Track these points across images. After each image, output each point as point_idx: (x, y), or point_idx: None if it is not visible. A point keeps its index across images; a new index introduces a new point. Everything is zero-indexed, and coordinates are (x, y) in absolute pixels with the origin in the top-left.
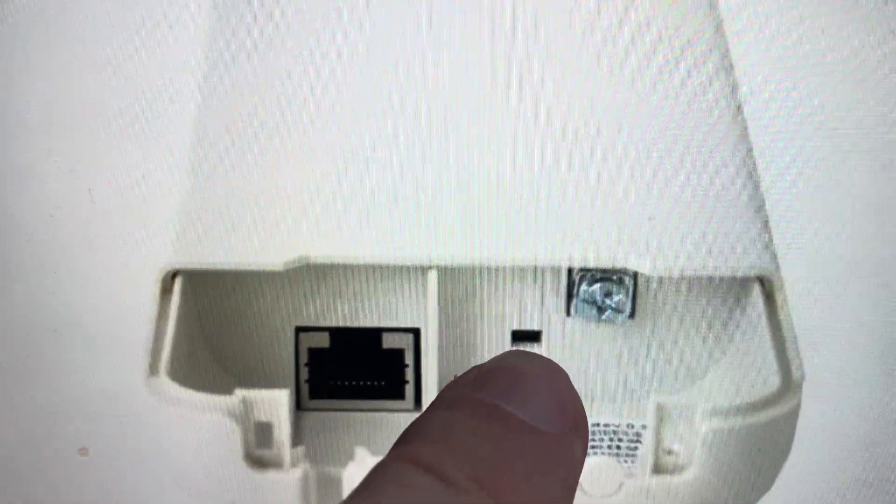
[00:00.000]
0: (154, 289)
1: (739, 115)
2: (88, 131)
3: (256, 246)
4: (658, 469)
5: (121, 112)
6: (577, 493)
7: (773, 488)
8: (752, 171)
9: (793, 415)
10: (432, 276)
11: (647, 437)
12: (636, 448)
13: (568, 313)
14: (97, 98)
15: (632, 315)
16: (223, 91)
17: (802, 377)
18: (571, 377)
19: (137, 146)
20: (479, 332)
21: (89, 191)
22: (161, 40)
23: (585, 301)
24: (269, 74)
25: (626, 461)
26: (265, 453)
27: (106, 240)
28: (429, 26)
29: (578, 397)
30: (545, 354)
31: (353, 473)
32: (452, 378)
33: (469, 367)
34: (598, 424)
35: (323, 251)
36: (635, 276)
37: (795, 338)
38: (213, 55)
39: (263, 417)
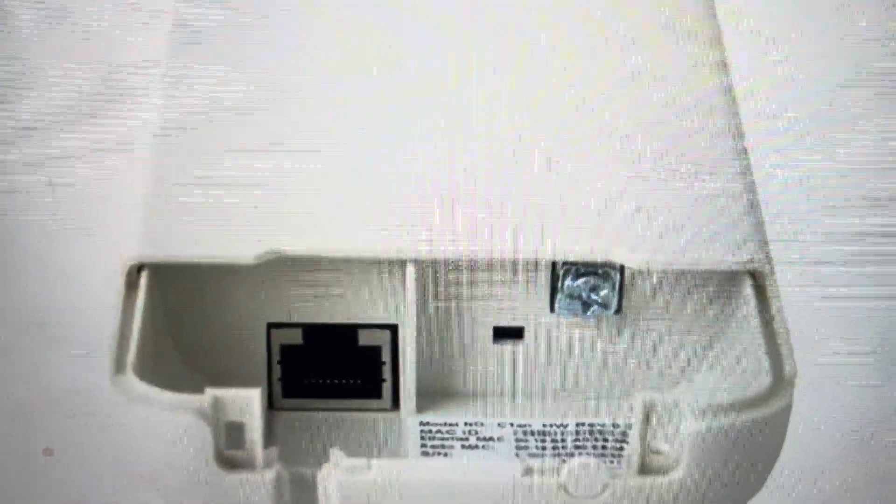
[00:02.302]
0: (119, 283)
1: (731, 102)
2: (48, 119)
3: (226, 238)
4: (644, 469)
5: (83, 98)
6: (560, 495)
7: (764, 489)
8: (743, 161)
9: (784, 413)
10: (410, 271)
11: (634, 437)
12: (622, 448)
13: (552, 309)
14: (58, 84)
15: (618, 310)
16: (191, 76)
17: (794, 374)
18: (555, 374)
19: (100, 134)
20: (459, 328)
21: (50, 181)
22: (127, 25)
23: (570, 296)
24: (239, 60)
25: (611, 461)
26: (237, 454)
27: (68, 232)
28: (406, 11)
29: None
30: (528, 351)
31: (328, 475)
32: (432, 376)
33: (449, 365)
34: (583, 424)
35: (296, 244)
36: (622, 269)
37: (787, 333)
38: (179, 39)
39: (235, 417)
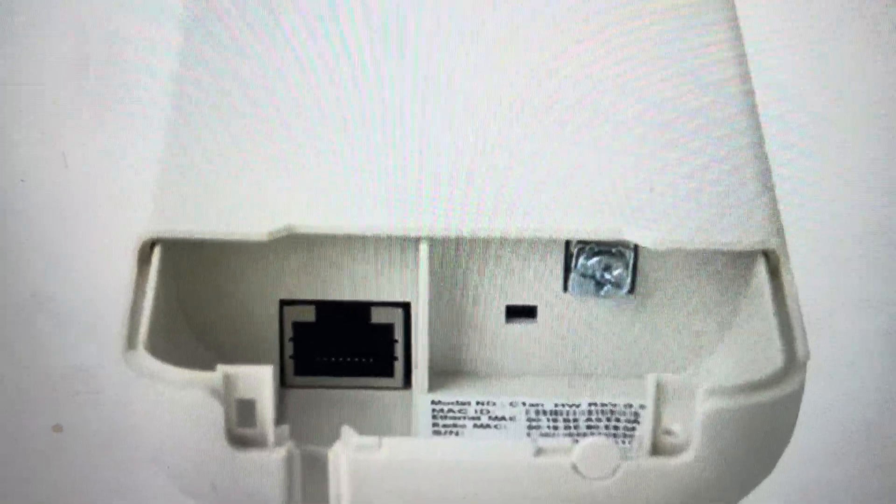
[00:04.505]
0: (131, 259)
1: (746, 80)
2: (62, 91)
3: (240, 214)
4: (656, 450)
5: (97, 72)
6: (572, 475)
7: (775, 471)
8: (758, 140)
9: (796, 395)
10: (423, 248)
11: (646, 418)
12: (634, 428)
13: (565, 288)
14: (72, 57)
15: (631, 290)
16: (205, 51)
17: (807, 356)
18: (568, 354)
19: (114, 107)
20: (472, 306)
21: (63, 155)
22: (138, 3)
23: (583, 275)
24: (252, 36)
25: (623, 442)
26: (247, 432)
27: (81, 207)
28: None
29: None
30: (541, 330)
31: (339, 453)
32: (444, 355)
33: (461, 344)
34: (596, 404)
35: (309, 221)
36: (636, 249)
37: (801, 315)
38: (192, 19)
39: (246, 394)
